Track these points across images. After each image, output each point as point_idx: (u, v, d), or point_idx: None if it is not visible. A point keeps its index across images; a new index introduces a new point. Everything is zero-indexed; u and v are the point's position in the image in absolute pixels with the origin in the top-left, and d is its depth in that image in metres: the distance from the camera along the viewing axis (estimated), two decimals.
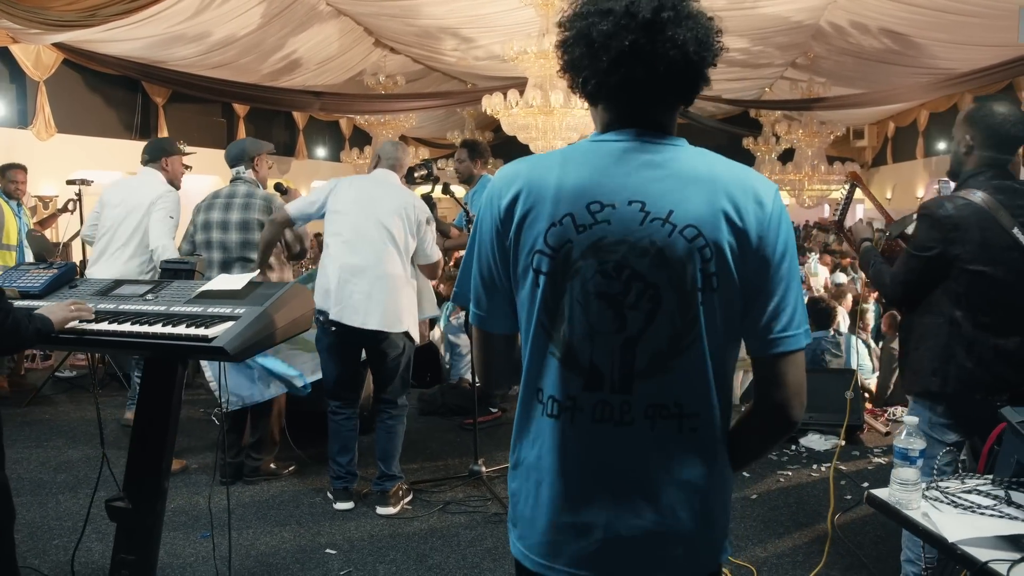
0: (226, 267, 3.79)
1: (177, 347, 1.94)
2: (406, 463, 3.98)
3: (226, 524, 2.82)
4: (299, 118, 14.47)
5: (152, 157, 4.20)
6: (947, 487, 1.70)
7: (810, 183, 13.55)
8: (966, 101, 12.17)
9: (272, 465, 3.97)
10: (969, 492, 1.68)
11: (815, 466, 4.23)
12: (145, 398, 2.28)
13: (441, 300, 5.30)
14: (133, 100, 10.93)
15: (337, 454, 3.56)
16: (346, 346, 3.50)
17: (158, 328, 1.97)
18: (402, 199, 3.53)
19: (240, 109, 12.73)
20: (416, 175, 4.06)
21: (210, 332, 1.90)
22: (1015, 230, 2.25)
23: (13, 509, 2.15)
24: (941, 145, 13.08)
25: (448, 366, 5.81)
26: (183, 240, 4.04)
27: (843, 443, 4.57)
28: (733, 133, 15.86)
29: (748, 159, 16.33)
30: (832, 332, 5.29)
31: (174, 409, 2.26)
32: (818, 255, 9.72)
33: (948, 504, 1.63)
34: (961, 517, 1.57)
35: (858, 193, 2.97)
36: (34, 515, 3.50)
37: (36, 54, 8.70)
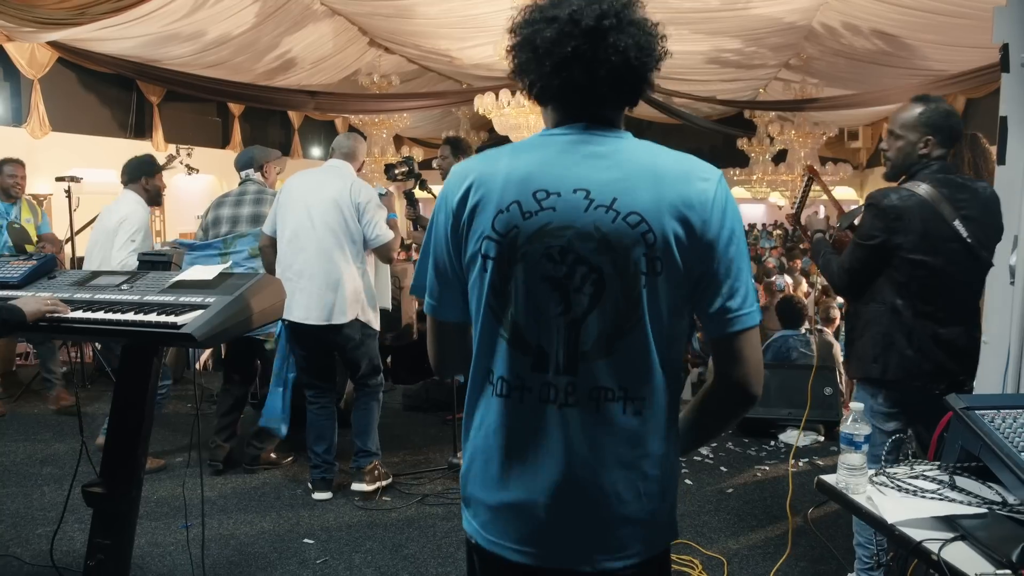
0: None
1: (148, 334, 1.98)
2: (387, 456, 4.02)
3: (207, 515, 2.86)
4: (294, 117, 14.51)
5: (131, 178, 4.13)
6: (894, 472, 1.75)
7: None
8: (959, 102, 12.22)
9: (272, 455, 4.06)
10: (916, 477, 1.72)
11: (793, 461, 4.28)
12: (121, 387, 2.32)
13: None
14: (128, 99, 10.95)
15: (314, 443, 3.61)
16: (303, 342, 3.55)
17: (130, 316, 2.01)
18: (340, 185, 3.50)
19: (235, 108, 12.75)
20: (396, 171, 4.09)
21: (180, 319, 1.94)
22: (956, 222, 2.33)
23: None
24: None
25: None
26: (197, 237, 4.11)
27: (822, 439, 4.64)
28: (727, 134, 15.93)
29: (742, 160, 16.41)
30: (803, 330, 5.34)
31: (149, 398, 2.30)
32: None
33: (893, 488, 1.67)
34: (904, 500, 1.61)
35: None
36: (19, 505, 3.54)
37: (31, 52, 8.74)
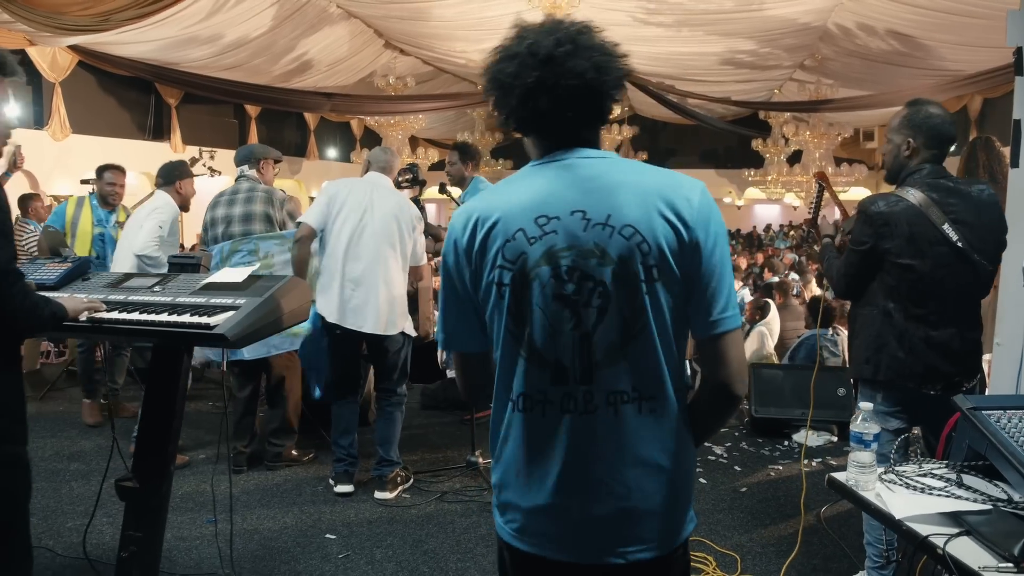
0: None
1: (182, 334, 2.06)
2: (407, 454, 4.10)
3: (235, 509, 2.95)
4: (310, 119, 14.65)
5: (166, 180, 4.24)
6: (903, 470, 1.80)
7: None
8: (975, 103, 12.17)
9: (294, 452, 4.15)
10: (924, 475, 1.77)
11: (806, 461, 4.32)
12: (153, 384, 2.41)
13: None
14: (146, 101, 11.14)
15: (340, 437, 3.71)
16: (347, 346, 3.64)
17: (164, 317, 2.09)
18: (397, 201, 3.67)
19: (252, 110, 12.91)
20: (401, 180, 4.19)
21: (212, 320, 2.02)
22: (945, 226, 2.37)
23: (31, 486, 2.28)
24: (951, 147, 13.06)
25: (446, 365, 5.93)
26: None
27: (835, 439, 4.67)
28: (742, 134, 15.93)
29: (757, 160, 16.40)
30: (831, 331, 5.37)
31: (180, 394, 2.38)
32: None
33: (901, 486, 1.72)
34: (912, 497, 1.67)
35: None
36: (48, 500, 3.64)
37: (52, 56, 8.91)
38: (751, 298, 7.64)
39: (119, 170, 4.93)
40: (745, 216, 25.09)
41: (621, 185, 1.31)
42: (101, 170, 4.92)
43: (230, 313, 2.06)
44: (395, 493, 3.70)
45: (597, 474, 1.31)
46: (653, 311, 1.29)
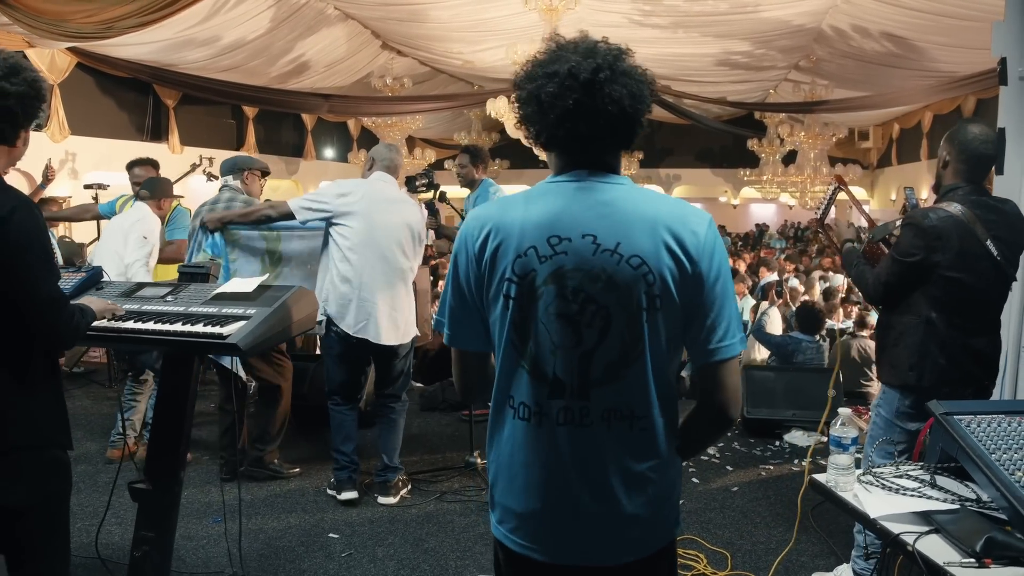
0: None
1: (196, 343, 2.16)
2: (406, 455, 4.20)
3: (238, 511, 3.04)
4: (308, 120, 14.69)
5: (152, 196, 4.31)
6: (881, 472, 1.90)
7: (812, 184, 13.69)
8: (969, 104, 12.28)
9: (275, 460, 4.07)
10: (900, 476, 1.88)
11: (796, 461, 4.42)
12: (164, 390, 2.50)
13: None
14: (145, 103, 11.17)
15: (341, 444, 3.71)
16: (360, 354, 3.64)
17: (178, 327, 2.19)
18: (411, 211, 3.68)
19: (249, 111, 12.96)
20: (418, 183, 4.23)
21: (224, 330, 2.12)
22: (988, 242, 2.50)
23: (71, 481, 2.36)
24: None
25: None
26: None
27: (825, 439, 4.77)
28: (737, 134, 16.03)
29: (752, 160, 16.50)
30: (817, 337, 5.48)
31: (191, 399, 2.48)
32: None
33: (878, 487, 1.83)
34: (888, 498, 1.77)
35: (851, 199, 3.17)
36: None
37: (51, 58, 8.96)
38: (752, 303, 7.75)
39: (148, 163, 4.91)
40: (741, 215, 25.17)
41: (633, 214, 1.38)
42: (130, 166, 4.94)
43: (242, 323, 2.15)
44: (398, 498, 3.76)
45: (588, 483, 1.40)
46: (651, 337, 1.37)
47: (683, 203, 1.44)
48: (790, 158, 14.80)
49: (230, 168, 4.17)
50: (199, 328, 2.15)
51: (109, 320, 2.23)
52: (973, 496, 1.74)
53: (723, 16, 9.75)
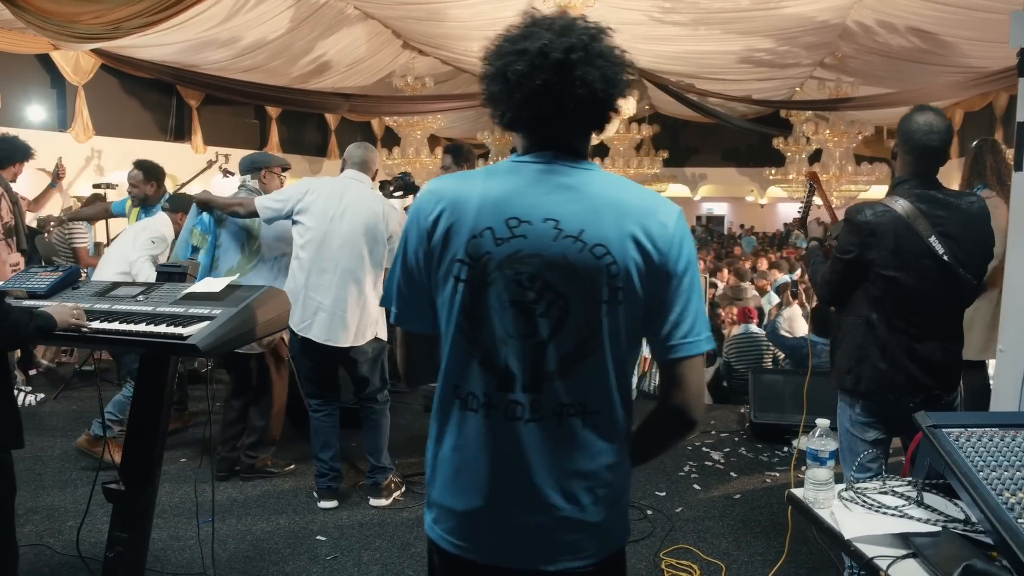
0: None
1: (157, 344, 2.12)
2: (405, 456, 4.14)
3: (228, 512, 3.00)
4: (331, 119, 14.75)
5: (173, 208, 4.45)
6: (863, 488, 1.79)
7: (838, 183, 13.40)
8: (1001, 100, 11.92)
9: (268, 463, 4.04)
10: (884, 493, 1.76)
11: (803, 468, 4.27)
12: (140, 390, 2.47)
13: None
14: (168, 103, 11.31)
15: (320, 451, 3.64)
16: (316, 354, 3.56)
17: (142, 327, 2.15)
18: (375, 208, 3.51)
19: (273, 111, 13.06)
20: (392, 188, 4.16)
21: (186, 331, 2.07)
22: (931, 239, 2.34)
23: (14, 485, 2.35)
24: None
25: None
26: None
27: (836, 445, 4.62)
28: (763, 133, 15.78)
29: (778, 159, 16.23)
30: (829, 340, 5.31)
31: (166, 401, 2.44)
32: None
33: (859, 504, 1.71)
34: (867, 517, 1.66)
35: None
36: (54, 498, 3.74)
37: (75, 60, 9.11)
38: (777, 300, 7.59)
39: (135, 170, 4.93)
40: (768, 215, 24.83)
41: (599, 201, 1.30)
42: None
43: (204, 323, 2.11)
44: (391, 499, 3.70)
45: (537, 482, 1.31)
46: (610, 331, 1.29)
47: (652, 193, 1.36)
48: (816, 156, 14.53)
49: (248, 167, 4.15)
50: (161, 328, 2.11)
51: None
52: (961, 516, 1.62)
53: (745, 12, 9.58)
